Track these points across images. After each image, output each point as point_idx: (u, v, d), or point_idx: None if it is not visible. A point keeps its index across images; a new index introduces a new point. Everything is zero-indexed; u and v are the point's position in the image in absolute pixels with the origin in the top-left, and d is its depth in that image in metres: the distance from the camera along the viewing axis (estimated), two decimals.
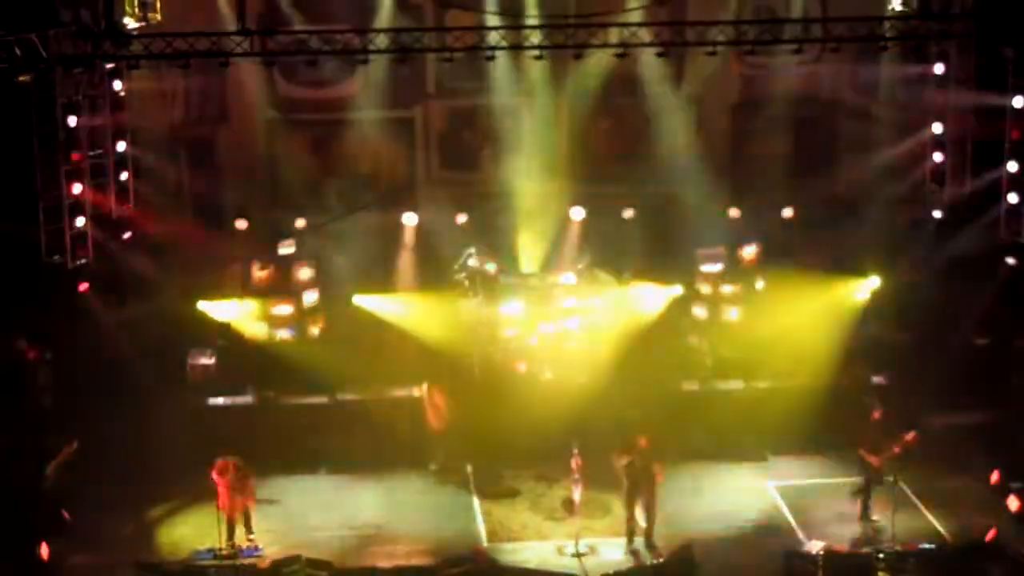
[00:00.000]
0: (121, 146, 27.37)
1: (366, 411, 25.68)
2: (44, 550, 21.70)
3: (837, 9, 27.71)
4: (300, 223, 28.50)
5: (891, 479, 22.30)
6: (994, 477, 23.62)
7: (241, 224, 28.20)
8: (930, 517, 23.14)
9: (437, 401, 25.32)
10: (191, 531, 23.06)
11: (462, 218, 29.47)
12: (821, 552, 21.24)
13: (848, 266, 28.60)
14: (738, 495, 24.21)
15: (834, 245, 28.79)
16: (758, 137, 30.81)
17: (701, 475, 24.72)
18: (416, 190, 30.95)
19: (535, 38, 25.76)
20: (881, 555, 21.15)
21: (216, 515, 22.05)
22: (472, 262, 28.09)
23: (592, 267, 28.17)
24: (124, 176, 27.46)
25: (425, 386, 25.59)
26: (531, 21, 26.39)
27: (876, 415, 23.32)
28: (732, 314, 27.71)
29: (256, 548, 22.35)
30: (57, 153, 24.90)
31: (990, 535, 21.96)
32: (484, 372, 26.30)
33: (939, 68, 28.45)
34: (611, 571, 21.25)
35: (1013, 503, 22.94)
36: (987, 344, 27.38)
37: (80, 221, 25.62)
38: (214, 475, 22.20)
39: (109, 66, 26.32)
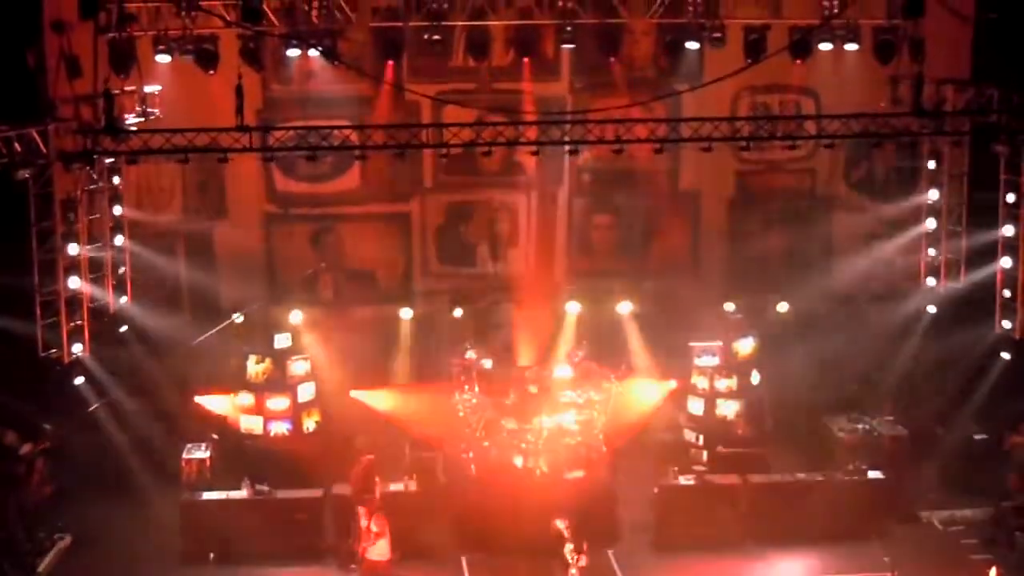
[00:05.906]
0: (119, 240, 27.52)
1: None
2: None
3: (831, 106, 27.99)
4: (297, 317, 28.48)
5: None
6: (992, 573, 23.44)
7: (238, 318, 28.21)
8: None
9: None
10: None
11: (458, 312, 29.58)
12: None
13: (844, 360, 28.66)
14: None
15: (829, 340, 28.85)
16: (754, 232, 31.01)
17: (698, 569, 24.52)
18: (413, 284, 31.07)
19: (531, 133, 26.02)
20: None
21: None
22: (469, 356, 28.10)
23: (588, 361, 28.12)
24: (122, 270, 27.59)
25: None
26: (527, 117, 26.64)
27: None
28: (728, 408, 27.65)
29: None
30: (55, 248, 25.07)
31: None
32: (480, 466, 26.15)
33: (932, 164, 28.71)
34: None
35: None
36: (985, 439, 27.31)
37: (77, 315, 25.70)
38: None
39: (108, 161, 26.50)
